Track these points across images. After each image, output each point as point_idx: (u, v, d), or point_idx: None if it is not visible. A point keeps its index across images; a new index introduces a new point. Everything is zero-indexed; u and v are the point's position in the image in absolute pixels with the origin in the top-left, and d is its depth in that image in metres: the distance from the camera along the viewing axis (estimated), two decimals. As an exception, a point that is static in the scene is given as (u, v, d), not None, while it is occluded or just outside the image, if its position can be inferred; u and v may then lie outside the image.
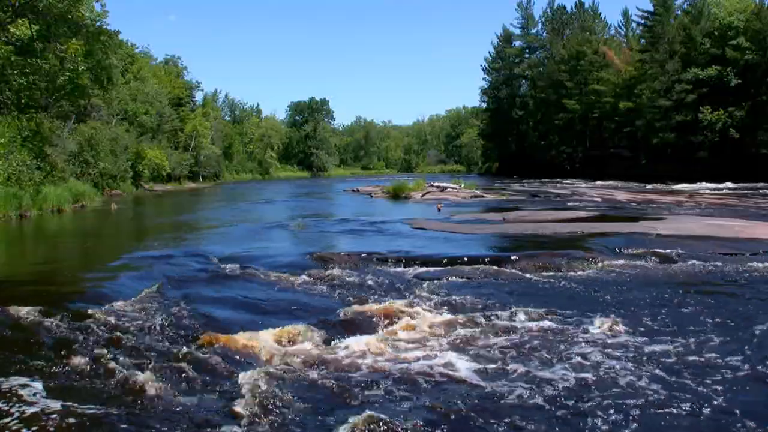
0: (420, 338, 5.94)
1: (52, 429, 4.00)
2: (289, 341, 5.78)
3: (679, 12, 56.05)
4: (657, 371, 4.92)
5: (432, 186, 32.52)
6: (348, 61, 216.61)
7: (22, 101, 23.80)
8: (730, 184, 35.39)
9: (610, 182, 43.58)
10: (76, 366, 5.06)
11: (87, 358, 5.23)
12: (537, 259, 9.64)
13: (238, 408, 4.24)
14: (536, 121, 74.68)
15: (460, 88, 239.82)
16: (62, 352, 5.35)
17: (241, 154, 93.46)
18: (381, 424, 3.93)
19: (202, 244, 13.42)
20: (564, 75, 66.44)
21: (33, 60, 21.88)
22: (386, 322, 6.42)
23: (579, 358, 5.25)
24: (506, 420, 4.08)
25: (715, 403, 4.31)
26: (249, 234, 15.09)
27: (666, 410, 4.21)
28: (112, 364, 5.09)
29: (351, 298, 7.50)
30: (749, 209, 19.87)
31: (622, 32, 74.91)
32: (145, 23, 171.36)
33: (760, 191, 29.95)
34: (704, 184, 36.51)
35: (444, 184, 33.17)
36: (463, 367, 5.11)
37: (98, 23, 25.12)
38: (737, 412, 4.17)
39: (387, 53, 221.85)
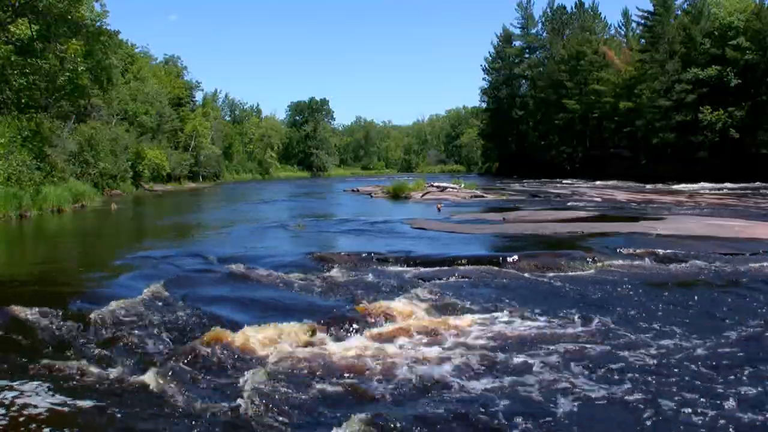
0: (420, 338, 5.94)
1: (52, 429, 4.01)
2: (289, 341, 5.78)
3: (679, 12, 56.04)
4: (655, 371, 4.92)
5: (432, 186, 32.52)
6: (348, 61, 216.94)
7: (22, 101, 23.82)
8: (729, 184, 35.38)
9: (610, 182, 43.56)
10: (77, 366, 5.06)
11: (87, 358, 5.24)
12: (537, 259, 9.64)
13: (239, 407, 4.24)
14: (536, 121, 74.68)
15: (460, 88, 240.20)
16: (62, 352, 5.36)
17: (241, 154, 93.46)
18: (381, 423, 3.93)
19: (203, 244, 13.43)
20: (564, 75, 66.44)
21: (33, 60, 21.91)
22: (386, 322, 6.42)
23: (577, 358, 5.25)
24: (504, 420, 4.08)
25: (713, 402, 4.31)
26: (249, 234, 15.09)
27: (667, 410, 4.21)
28: (113, 364, 5.10)
29: (351, 298, 7.50)
30: (749, 209, 19.86)
31: (622, 32, 74.96)
32: (145, 23, 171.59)
33: (760, 191, 29.93)
34: (704, 184, 36.50)
35: (444, 184, 33.17)
36: (464, 367, 5.11)
37: (98, 23, 25.16)
38: (735, 410, 4.17)
39: (387, 53, 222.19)
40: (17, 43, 22.84)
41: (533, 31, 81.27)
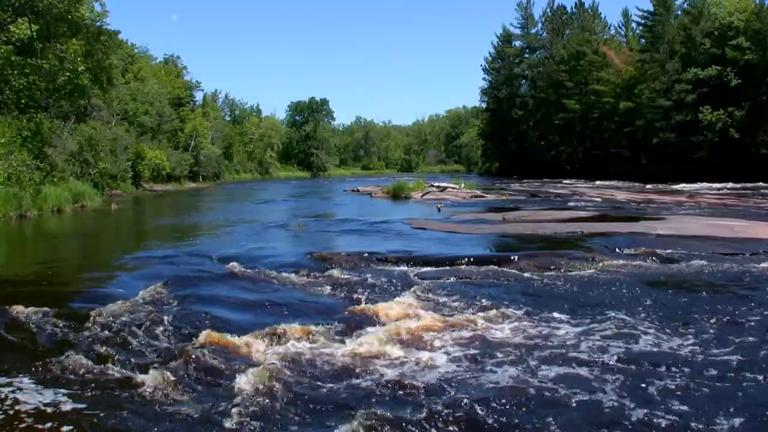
0: (419, 338, 5.93)
1: (50, 428, 4.00)
2: (289, 341, 5.78)
3: (679, 12, 56.00)
4: (653, 371, 4.92)
5: (432, 186, 32.50)
6: (348, 61, 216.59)
7: (22, 101, 23.81)
8: (730, 184, 35.35)
9: (610, 182, 43.59)
10: (77, 365, 5.06)
11: (87, 358, 5.23)
12: (537, 259, 9.64)
13: (238, 407, 4.24)
14: (536, 121, 74.60)
15: (460, 88, 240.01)
16: (62, 352, 5.35)
17: (241, 154, 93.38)
18: (380, 424, 3.93)
19: (203, 244, 13.42)
20: (564, 75, 66.40)
21: (33, 60, 21.90)
22: (386, 322, 6.42)
23: (576, 358, 5.25)
24: (502, 420, 4.08)
25: (711, 402, 4.31)
26: (249, 234, 15.09)
27: (664, 409, 4.21)
28: (112, 364, 5.10)
29: (351, 298, 7.50)
30: (749, 209, 19.86)
31: (622, 32, 74.77)
32: (147, 23, 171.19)
33: (760, 191, 29.93)
34: (704, 184, 36.49)
35: (444, 184, 33.15)
36: (463, 367, 5.11)
37: (98, 23, 25.18)
38: (731, 410, 4.17)
39: (387, 53, 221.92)
40: (17, 43, 22.84)
41: (533, 31, 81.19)
